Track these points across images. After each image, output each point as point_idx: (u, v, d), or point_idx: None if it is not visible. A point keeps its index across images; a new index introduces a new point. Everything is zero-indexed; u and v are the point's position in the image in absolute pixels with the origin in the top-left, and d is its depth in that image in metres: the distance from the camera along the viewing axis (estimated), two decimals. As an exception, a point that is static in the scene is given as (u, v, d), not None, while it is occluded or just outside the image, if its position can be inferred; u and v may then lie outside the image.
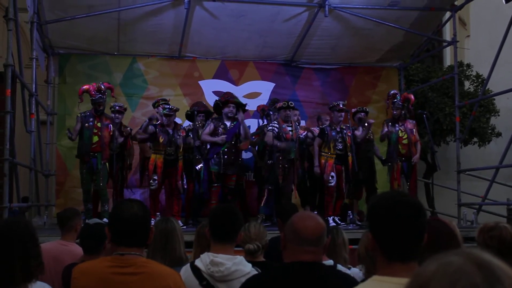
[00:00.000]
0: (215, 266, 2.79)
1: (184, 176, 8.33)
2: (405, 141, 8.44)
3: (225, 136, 7.92)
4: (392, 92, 8.82)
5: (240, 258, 2.89)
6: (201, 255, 2.92)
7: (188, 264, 2.92)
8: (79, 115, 7.99)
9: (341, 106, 8.38)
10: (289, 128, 8.32)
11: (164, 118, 7.92)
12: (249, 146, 9.09)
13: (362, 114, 8.87)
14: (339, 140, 8.34)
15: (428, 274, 0.94)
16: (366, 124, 8.55)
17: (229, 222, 2.93)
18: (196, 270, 2.84)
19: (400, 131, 8.43)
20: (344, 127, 8.43)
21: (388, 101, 8.75)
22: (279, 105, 8.58)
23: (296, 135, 8.41)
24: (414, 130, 8.55)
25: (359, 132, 8.54)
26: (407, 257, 1.68)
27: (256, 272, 2.84)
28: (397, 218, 1.68)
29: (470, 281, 0.89)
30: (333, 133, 8.33)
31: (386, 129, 8.49)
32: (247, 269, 2.83)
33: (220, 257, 2.81)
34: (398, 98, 8.58)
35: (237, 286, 2.72)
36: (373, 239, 1.73)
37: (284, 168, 8.20)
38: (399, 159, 8.43)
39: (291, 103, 8.49)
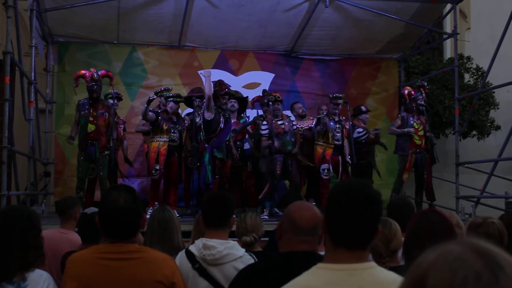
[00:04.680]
0: (207, 250, 2.84)
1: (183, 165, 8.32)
2: (421, 133, 8.47)
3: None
4: (420, 82, 8.94)
5: (233, 243, 2.93)
6: (195, 241, 2.98)
7: (184, 250, 2.98)
8: (77, 102, 7.96)
9: (339, 100, 8.37)
10: (280, 122, 8.22)
11: (170, 104, 7.87)
12: (246, 136, 9.05)
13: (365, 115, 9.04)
14: (338, 130, 8.35)
15: (427, 263, 0.92)
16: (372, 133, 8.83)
17: (221, 208, 2.97)
18: (190, 255, 2.89)
19: (415, 123, 8.45)
20: (342, 119, 8.45)
21: (412, 92, 8.79)
22: (266, 100, 8.49)
23: (289, 127, 8.26)
24: (427, 125, 8.62)
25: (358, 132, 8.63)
26: (352, 244, 1.68)
27: (249, 257, 2.90)
28: (346, 204, 1.68)
29: (471, 269, 0.87)
30: (332, 123, 8.34)
31: (399, 122, 8.51)
32: (240, 253, 2.89)
33: (213, 241, 2.87)
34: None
35: (229, 270, 2.78)
36: (325, 221, 1.73)
37: (285, 161, 8.18)
38: (414, 150, 8.44)
39: (278, 97, 8.36)
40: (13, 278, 2.41)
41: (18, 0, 7.22)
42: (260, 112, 8.98)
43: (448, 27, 12.42)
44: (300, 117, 9.05)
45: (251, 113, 9.61)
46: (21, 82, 7.74)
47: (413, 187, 8.80)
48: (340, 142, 8.41)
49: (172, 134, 7.88)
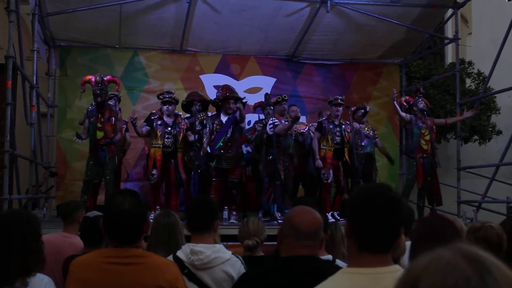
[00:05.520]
0: (195, 255, 2.88)
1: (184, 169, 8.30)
2: (427, 137, 8.47)
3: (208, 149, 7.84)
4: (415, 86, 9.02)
5: (219, 246, 2.98)
6: (182, 246, 3.02)
7: (171, 256, 2.98)
8: (86, 109, 7.99)
9: (339, 100, 8.39)
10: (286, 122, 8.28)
11: (164, 107, 7.88)
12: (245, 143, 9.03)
13: (362, 111, 8.97)
14: (337, 133, 8.36)
15: (419, 268, 0.95)
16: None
17: (203, 212, 3.03)
18: (178, 261, 2.89)
19: (423, 128, 8.46)
20: (343, 122, 8.46)
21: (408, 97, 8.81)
22: (273, 99, 8.54)
23: (293, 130, 8.40)
24: (434, 127, 8.63)
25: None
26: (377, 248, 1.70)
27: (236, 259, 2.94)
28: (371, 209, 1.70)
29: (461, 274, 0.90)
30: (331, 126, 8.36)
31: (408, 117, 8.49)
32: (227, 255, 2.93)
33: (200, 246, 2.91)
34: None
35: (218, 274, 2.81)
36: (350, 226, 1.75)
37: (285, 163, 8.20)
38: (421, 155, 8.44)
39: (285, 96, 8.45)
40: (15, 283, 2.40)
41: (21, 4, 7.24)
42: (262, 116, 8.99)
43: (449, 32, 12.44)
44: None
45: (252, 118, 9.62)
46: (23, 86, 7.75)
47: (415, 191, 8.79)
48: (339, 146, 8.41)
49: (166, 140, 7.86)
